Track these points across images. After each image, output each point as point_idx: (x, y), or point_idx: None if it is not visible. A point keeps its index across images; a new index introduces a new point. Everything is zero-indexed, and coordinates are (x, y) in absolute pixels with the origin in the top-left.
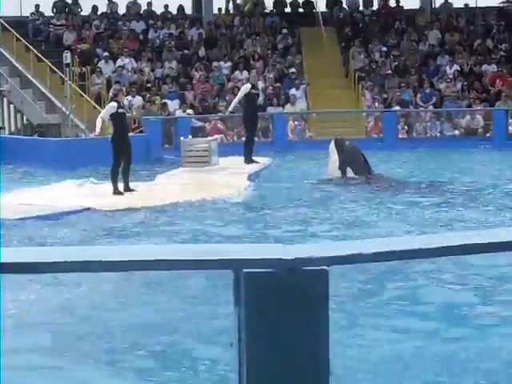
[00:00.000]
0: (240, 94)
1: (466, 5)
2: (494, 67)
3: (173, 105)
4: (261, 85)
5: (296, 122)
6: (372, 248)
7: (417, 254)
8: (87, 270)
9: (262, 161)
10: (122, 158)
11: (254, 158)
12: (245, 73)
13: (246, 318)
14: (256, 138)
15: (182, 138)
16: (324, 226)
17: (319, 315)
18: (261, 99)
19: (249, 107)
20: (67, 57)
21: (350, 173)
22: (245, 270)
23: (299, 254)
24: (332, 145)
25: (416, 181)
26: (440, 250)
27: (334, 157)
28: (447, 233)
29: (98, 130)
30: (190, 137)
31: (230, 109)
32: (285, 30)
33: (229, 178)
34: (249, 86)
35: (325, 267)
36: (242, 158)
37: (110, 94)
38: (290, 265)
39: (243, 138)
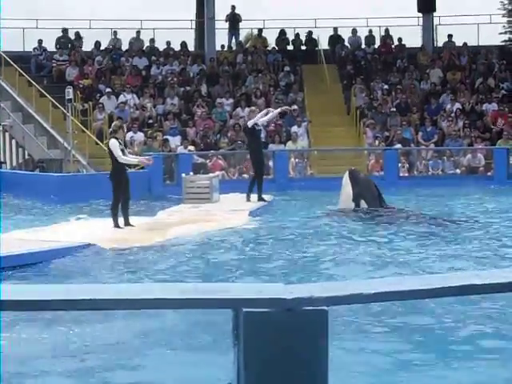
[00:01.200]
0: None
1: (468, 43)
2: (495, 106)
3: (174, 141)
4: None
5: (297, 160)
6: (372, 288)
7: (416, 294)
8: (76, 308)
9: (267, 198)
10: (121, 193)
11: (263, 195)
12: (246, 110)
13: (245, 358)
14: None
15: (183, 175)
16: (330, 263)
17: (319, 355)
18: (262, 136)
19: (256, 144)
20: (69, 92)
21: (363, 205)
22: (244, 310)
23: (299, 293)
24: (346, 176)
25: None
26: (439, 291)
27: (347, 189)
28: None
29: (137, 160)
30: (192, 173)
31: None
32: (287, 68)
33: (229, 214)
34: (251, 121)
35: (324, 307)
36: (243, 195)
37: (110, 130)
38: (290, 305)
39: (245, 175)
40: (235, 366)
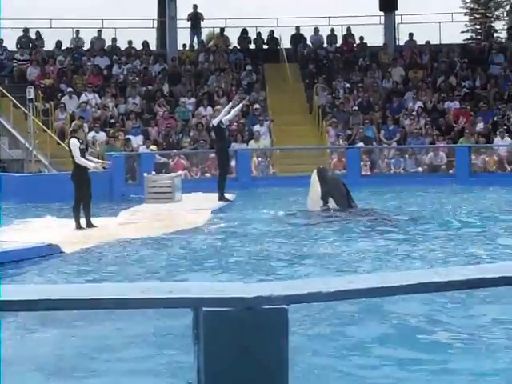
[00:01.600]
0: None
1: (430, 42)
2: (457, 104)
3: (136, 140)
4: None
5: (260, 159)
6: (332, 286)
7: (376, 292)
8: (36, 309)
9: (230, 197)
10: (82, 193)
11: (225, 195)
12: (209, 109)
13: (205, 357)
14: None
15: (145, 174)
16: (289, 262)
17: (279, 354)
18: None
19: (221, 142)
20: (31, 92)
21: (332, 203)
22: (204, 309)
23: (259, 292)
24: (314, 175)
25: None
26: (399, 288)
27: (315, 187)
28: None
29: (93, 165)
30: (154, 173)
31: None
32: (249, 67)
33: (192, 213)
34: (216, 120)
35: (284, 306)
36: (205, 195)
37: (70, 130)
38: (250, 303)
39: (207, 174)
40: (195, 365)
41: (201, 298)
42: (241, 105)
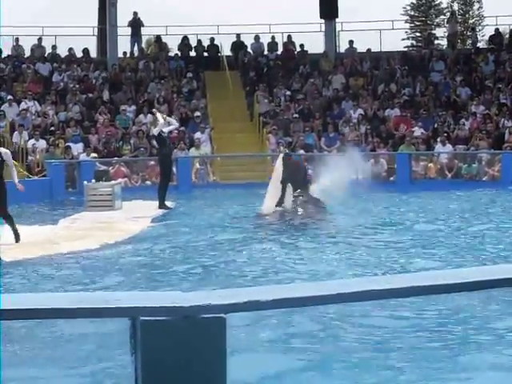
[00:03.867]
0: (159, 127)
1: (370, 49)
2: (397, 111)
3: (76, 148)
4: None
5: (200, 166)
6: (271, 295)
7: (314, 300)
8: None
9: (171, 205)
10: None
11: (166, 202)
12: (149, 116)
13: (143, 367)
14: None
15: (85, 182)
16: (233, 270)
17: (217, 363)
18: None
19: (163, 150)
20: None
21: (289, 188)
22: (141, 318)
23: (197, 301)
24: (279, 160)
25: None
26: (336, 297)
27: (278, 172)
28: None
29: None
30: (94, 181)
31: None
32: (190, 74)
33: (132, 221)
34: (157, 129)
35: (222, 315)
36: (146, 202)
37: None
38: (187, 312)
39: (148, 182)
40: (133, 375)
41: (138, 308)
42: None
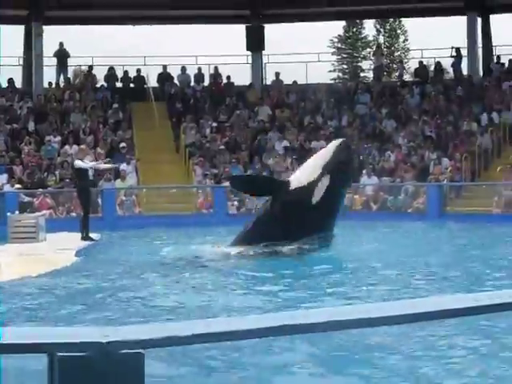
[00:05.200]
0: (84, 165)
1: (297, 81)
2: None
3: (1, 179)
4: (90, 159)
5: (126, 198)
6: (190, 330)
7: (235, 335)
8: None
9: (95, 237)
10: None
11: (90, 234)
12: (74, 147)
13: None
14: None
15: (9, 214)
16: (154, 304)
17: None
18: (90, 174)
19: (82, 182)
20: None
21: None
22: (59, 354)
23: (115, 337)
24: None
25: None
26: (259, 331)
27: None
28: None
29: None
30: (18, 212)
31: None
32: (116, 105)
33: (56, 254)
34: (80, 162)
35: (141, 350)
36: (71, 234)
37: None
38: (105, 348)
39: (73, 214)
40: None
41: (55, 343)
42: (110, 165)
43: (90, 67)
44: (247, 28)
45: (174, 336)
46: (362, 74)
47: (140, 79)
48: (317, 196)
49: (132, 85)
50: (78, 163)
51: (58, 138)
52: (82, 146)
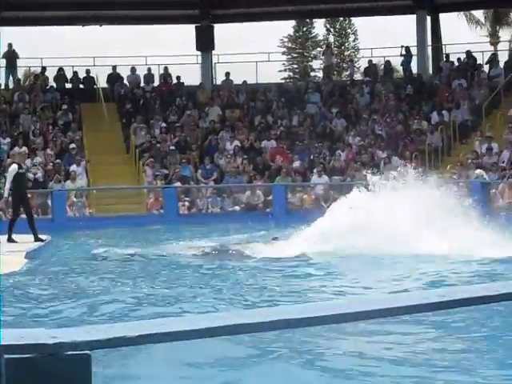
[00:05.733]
0: (9, 178)
1: (246, 81)
2: (273, 143)
3: None
4: (39, 160)
5: (76, 199)
6: (136, 331)
7: (185, 335)
8: None
9: (45, 238)
10: None
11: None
12: (24, 149)
13: None
14: (35, 215)
15: None
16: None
17: None
18: (39, 175)
19: (17, 188)
20: None
21: None
22: (5, 356)
23: (61, 338)
24: None
25: None
26: (204, 331)
27: None
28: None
29: None
30: None
31: (5, 195)
32: (65, 106)
33: (5, 256)
34: (15, 166)
35: (87, 352)
36: (21, 236)
37: None
38: (52, 350)
39: (23, 216)
40: None
41: (1, 346)
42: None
43: (43, 69)
44: (197, 28)
45: (121, 337)
46: (312, 74)
47: (90, 80)
48: None
49: (82, 86)
50: (12, 167)
51: (8, 140)
52: (21, 150)
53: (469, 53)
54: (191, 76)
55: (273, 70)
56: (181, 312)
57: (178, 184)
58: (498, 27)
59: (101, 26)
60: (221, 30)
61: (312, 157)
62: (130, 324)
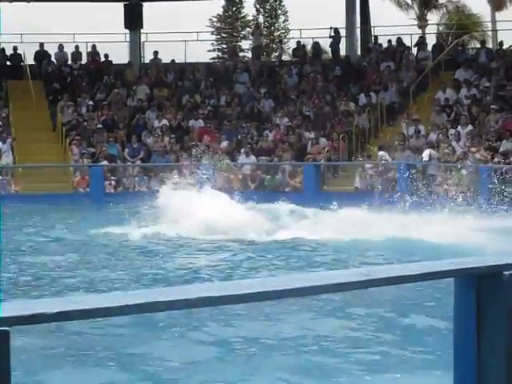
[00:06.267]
0: None
1: (175, 60)
2: (201, 122)
3: None
4: None
5: (2, 177)
6: (56, 307)
7: (102, 312)
8: None
9: None
10: None
11: None
12: None
13: None
14: None
15: None
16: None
17: None
18: None
19: None
20: None
21: None
22: None
23: None
24: None
25: None
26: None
27: None
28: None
29: None
30: None
31: None
32: None
33: None
34: None
35: (6, 328)
36: None
37: None
38: None
39: None
40: None
41: None
42: None
43: None
44: (125, 6)
45: (40, 313)
46: (241, 54)
47: (17, 57)
48: None
49: (9, 62)
50: None
51: None
52: None
53: (399, 38)
54: (119, 54)
55: (201, 50)
56: None
57: (105, 162)
58: (425, 10)
59: (29, 2)
60: (150, 9)
61: (240, 137)
62: (51, 300)
